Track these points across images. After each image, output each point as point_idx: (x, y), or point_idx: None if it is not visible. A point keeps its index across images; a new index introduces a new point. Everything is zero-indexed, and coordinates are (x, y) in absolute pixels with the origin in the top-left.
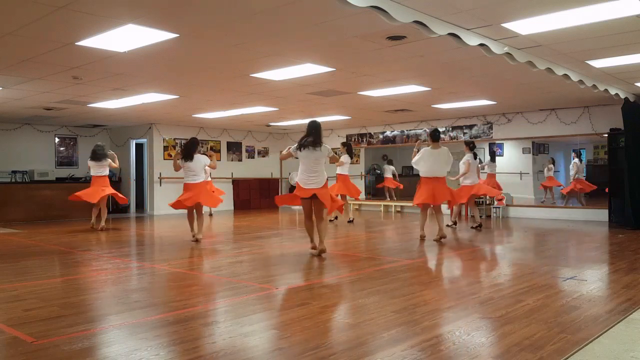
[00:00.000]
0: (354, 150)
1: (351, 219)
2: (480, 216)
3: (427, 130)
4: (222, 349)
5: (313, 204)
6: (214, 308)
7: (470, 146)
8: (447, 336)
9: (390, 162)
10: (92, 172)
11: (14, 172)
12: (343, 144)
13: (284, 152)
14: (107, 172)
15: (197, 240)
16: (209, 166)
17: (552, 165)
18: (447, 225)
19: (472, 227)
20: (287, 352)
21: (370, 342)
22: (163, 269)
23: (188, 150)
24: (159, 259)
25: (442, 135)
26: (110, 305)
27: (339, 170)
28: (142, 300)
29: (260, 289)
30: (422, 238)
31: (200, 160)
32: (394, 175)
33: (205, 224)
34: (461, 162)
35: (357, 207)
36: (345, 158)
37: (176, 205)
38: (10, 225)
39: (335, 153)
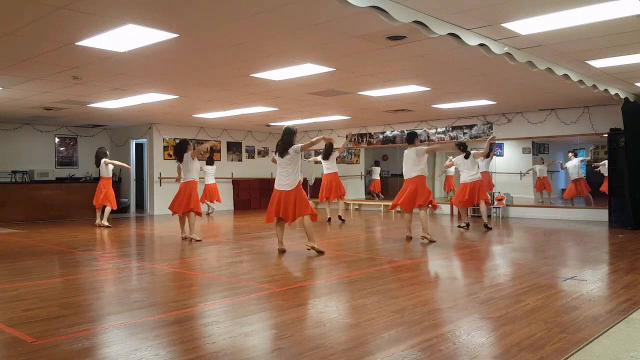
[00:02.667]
0: (333, 151)
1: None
2: (489, 216)
3: (427, 130)
4: (222, 349)
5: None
6: (214, 308)
7: (461, 148)
8: (447, 336)
9: (377, 164)
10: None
11: (14, 172)
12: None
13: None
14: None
15: (190, 240)
16: (192, 155)
17: (542, 166)
18: (459, 226)
19: (458, 226)
20: (287, 352)
21: (370, 342)
22: (163, 269)
23: (177, 151)
24: (159, 259)
25: (442, 136)
26: (110, 305)
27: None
28: (142, 300)
29: (260, 289)
30: (408, 238)
31: (186, 159)
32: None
33: (201, 223)
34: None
35: (357, 207)
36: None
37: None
38: (10, 225)
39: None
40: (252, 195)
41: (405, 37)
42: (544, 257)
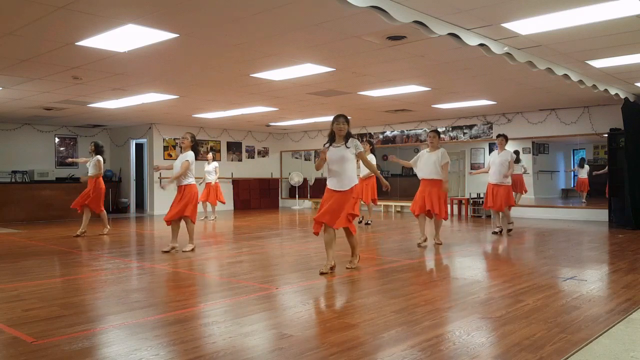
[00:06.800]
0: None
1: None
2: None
3: (427, 130)
4: (222, 349)
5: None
6: (214, 308)
7: (503, 136)
8: (447, 336)
9: None
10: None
11: (14, 172)
12: (369, 141)
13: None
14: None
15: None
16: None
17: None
18: (508, 231)
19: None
20: (287, 352)
21: (370, 342)
22: (163, 269)
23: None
24: (159, 259)
25: (442, 136)
26: (110, 305)
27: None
28: (142, 300)
29: (260, 289)
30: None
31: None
32: None
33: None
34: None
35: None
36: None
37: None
38: (10, 225)
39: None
40: (252, 195)
41: (405, 37)
42: (544, 257)
